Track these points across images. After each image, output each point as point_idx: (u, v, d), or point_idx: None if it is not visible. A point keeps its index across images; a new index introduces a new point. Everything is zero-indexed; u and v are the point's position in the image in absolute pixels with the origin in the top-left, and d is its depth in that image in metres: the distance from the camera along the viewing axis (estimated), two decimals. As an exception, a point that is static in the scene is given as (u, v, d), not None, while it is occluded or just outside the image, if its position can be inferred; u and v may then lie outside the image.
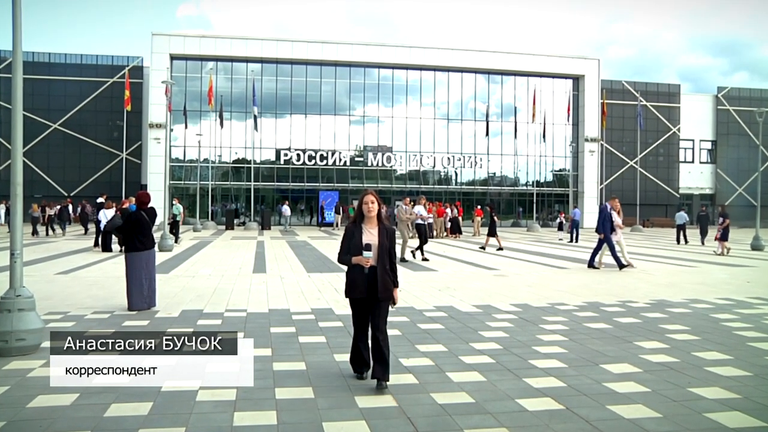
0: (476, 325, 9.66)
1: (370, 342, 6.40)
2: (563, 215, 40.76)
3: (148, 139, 51.03)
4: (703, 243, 31.38)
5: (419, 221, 21.59)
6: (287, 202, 47.40)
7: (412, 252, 21.38)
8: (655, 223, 57.61)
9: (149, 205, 11.49)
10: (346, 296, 6.43)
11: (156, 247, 23.63)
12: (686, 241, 32.58)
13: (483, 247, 26.10)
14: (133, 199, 24.69)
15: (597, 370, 7.09)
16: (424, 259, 20.51)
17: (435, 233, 36.35)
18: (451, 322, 9.90)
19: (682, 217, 33.33)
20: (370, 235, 6.31)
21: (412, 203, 22.11)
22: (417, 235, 21.73)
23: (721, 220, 25.44)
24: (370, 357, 6.42)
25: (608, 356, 7.74)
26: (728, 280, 16.15)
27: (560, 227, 36.81)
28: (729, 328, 9.61)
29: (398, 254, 20.08)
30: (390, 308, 6.42)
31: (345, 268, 6.56)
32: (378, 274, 6.24)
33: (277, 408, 5.73)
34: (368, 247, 6.18)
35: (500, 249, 25.65)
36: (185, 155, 53.25)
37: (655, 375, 6.91)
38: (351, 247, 6.33)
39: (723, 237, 24.98)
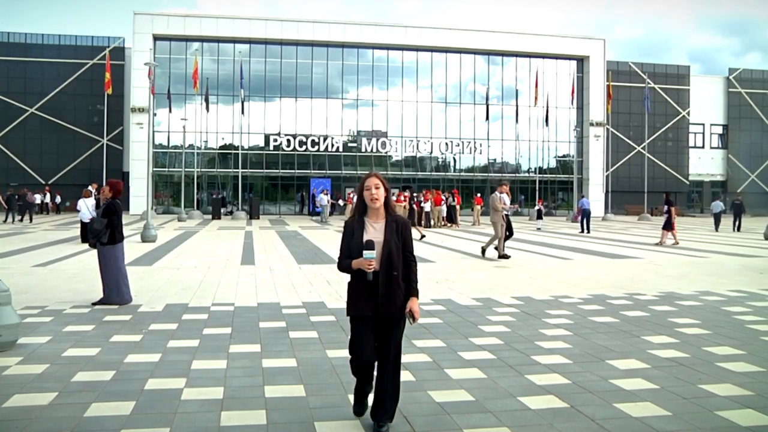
0: (476, 319, 9.65)
1: (375, 380, 5.26)
2: (542, 203, 40.75)
3: (130, 124, 50.96)
4: (735, 230, 34.14)
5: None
6: (325, 190, 45.85)
7: (482, 248, 19.72)
8: (664, 212, 57.64)
9: None
10: (347, 314, 5.21)
11: (140, 238, 23.60)
12: (717, 228, 35.22)
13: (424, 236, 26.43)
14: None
15: (603, 366, 7.08)
16: (505, 256, 18.71)
17: (432, 223, 36.43)
18: (449, 316, 9.88)
19: (718, 205, 36.65)
20: (374, 230, 5.11)
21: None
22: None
23: (665, 208, 25.45)
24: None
25: (615, 351, 7.73)
26: (741, 272, 16.16)
27: (539, 215, 36.70)
28: (741, 322, 9.62)
29: (488, 251, 19.32)
30: (409, 324, 5.27)
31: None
32: (380, 282, 5.03)
33: (267, 407, 5.70)
34: (370, 246, 4.99)
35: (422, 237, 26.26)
36: (169, 141, 53.20)
37: (664, 371, 6.90)
38: (352, 247, 5.11)
39: (666, 226, 24.83)
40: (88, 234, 10.69)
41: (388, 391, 5.11)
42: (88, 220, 22.70)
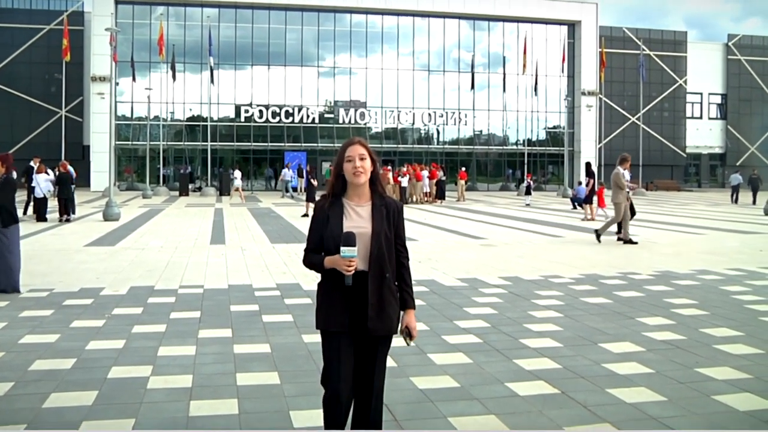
0: (461, 301, 9.69)
1: (352, 410, 4.15)
2: (531, 177, 40.92)
3: (91, 94, 50.40)
4: (754, 203, 36.50)
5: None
6: (289, 165, 45.89)
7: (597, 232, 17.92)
8: (660, 186, 57.82)
9: None
10: (317, 326, 4.10)
11: (101, 217, 23.45)
12: (736, 201, 38.10)
13: (306, 215, 26.11)
14: (67, 163, 24.34)
15: (595, 350, 7.13)
16: (630, 242, 17.28)
17: (416, 198, 36.43)
18: (432, 298, 9.91)
19: (736, 178, 39.51)
20: (356, 216, 4.02)
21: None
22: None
23: (587, 180, 25.38)
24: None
25: (608, 334, 7.78)
26: (739, 249, 16.30)
27: (527, 191, 36.64)
28: (740, 302, 9.71)
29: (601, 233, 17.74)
30: (406, 345, 4.30)
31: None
32: (369, 287, 3.96)
33: (239, 395, 5.69)
34: (350, 240, 3.85)
35: (306, 215, 25.97)
36: (133, 112, 52.76)
37: (660, 354, 6.96)
38: (326, 238, 4.02)
39: (587, 199, 24.78)
40: None
41: (370, 422, 4.15)
42: (41, 197, 22.55)
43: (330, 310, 4.01)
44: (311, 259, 4.12)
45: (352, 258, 3.84)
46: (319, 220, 4.09)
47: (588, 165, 27.70)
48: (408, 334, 4.10)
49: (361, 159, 3.97)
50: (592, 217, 24.70)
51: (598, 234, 17.63)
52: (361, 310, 3.95)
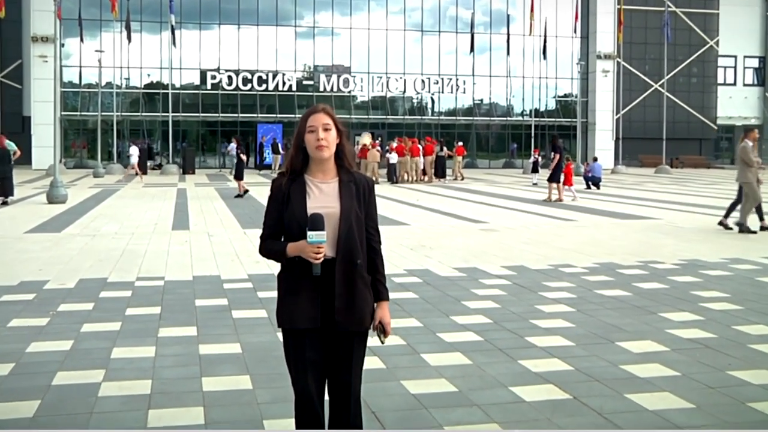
0: (459, 294, 9.70)
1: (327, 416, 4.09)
2: (539, 153, 40.82)
3: (31, 57, 49.92)
4: None
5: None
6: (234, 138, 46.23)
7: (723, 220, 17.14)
8: (686, 163, 57.79)
9: None
10: (279, 325, 3.99)
11: (45, 198, 23.38)
12: None
13: (240, 195, 26.12)
14: (4, 137, 24.20)
15: (612, 349, 7.15)
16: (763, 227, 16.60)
17: (410, 177, 36.36)
18: (427, 290, 9.92)
19: None
20: (321, 195, 3.91)
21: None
22: None
23: (552, 155, 25.35)
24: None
25: (626, 331, 7.80)
26: (776, 234, 16.37)
27: (534, 168, 36.51)
28: (778, 295, 9.76)
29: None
30: (380, 343, 4.18)
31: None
32: (336, 276, 3.84)
33: (205, 403, 5.68)
34: (317, 223, 3.72)
35: (239, 196, 26.12)
36: (81, 78, 52.41)
37: (686, 355, 6.97)
38: (288, 221, 3.94)
39: (552, 177, 24.71)
40: None
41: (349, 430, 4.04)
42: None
43: (297, 305, 3.87)
44: (270, 247, 4.02)
45: (321, 243, 3.71)
46: (277, 200, 3.99)
47: (554, 138, 27.63)
48: (382, 330, 4.03)
49: (326, 130, 3.87)
50: (559, 198, 24.77)
51: (741, 227, 16.39)
52: (331, 302, 3.83)
